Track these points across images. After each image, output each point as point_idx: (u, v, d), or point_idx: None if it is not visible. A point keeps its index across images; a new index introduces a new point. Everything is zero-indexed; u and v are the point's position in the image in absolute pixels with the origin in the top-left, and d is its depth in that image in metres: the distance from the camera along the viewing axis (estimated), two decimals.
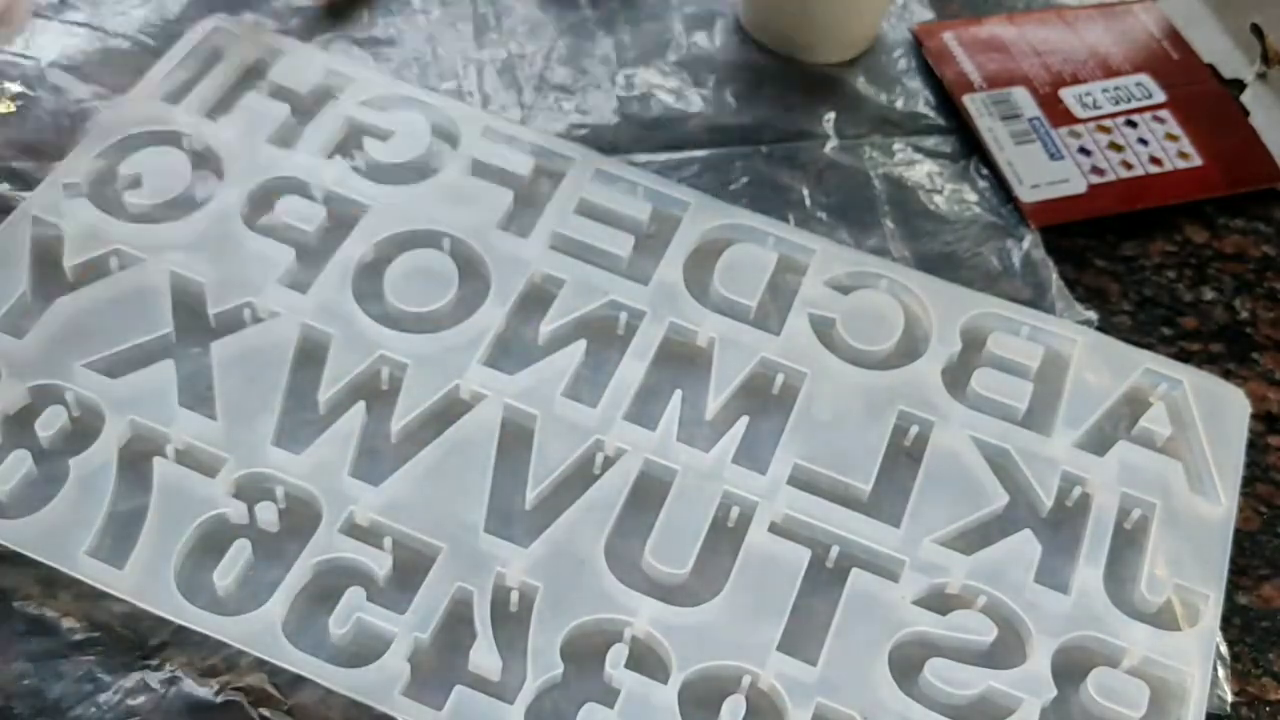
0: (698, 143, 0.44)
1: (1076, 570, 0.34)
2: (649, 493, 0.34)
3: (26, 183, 0.40)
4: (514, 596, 0.33)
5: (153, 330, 0.36)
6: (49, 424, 0.34)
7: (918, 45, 0.48)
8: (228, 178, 0.39)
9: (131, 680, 0.31)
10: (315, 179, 0.40)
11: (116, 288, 0.37)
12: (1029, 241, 0.42)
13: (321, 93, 0.42)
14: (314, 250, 0.38)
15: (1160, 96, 0.47)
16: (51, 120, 0.42)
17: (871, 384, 0.37)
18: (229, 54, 0.43)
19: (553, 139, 0.42)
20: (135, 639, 0.31)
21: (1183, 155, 0.45)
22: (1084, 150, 0.45)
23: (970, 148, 0.45)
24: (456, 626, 0.32)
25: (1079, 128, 0.46)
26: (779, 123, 0.45)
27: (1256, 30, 0.49)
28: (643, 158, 0.43)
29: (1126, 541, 0.35)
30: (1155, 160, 0.45)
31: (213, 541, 0.32)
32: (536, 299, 0.38)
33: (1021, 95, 0.47)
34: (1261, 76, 0.48)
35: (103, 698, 0.31)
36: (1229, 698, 0.33)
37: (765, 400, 0.37)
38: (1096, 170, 0.45)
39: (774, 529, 0.34)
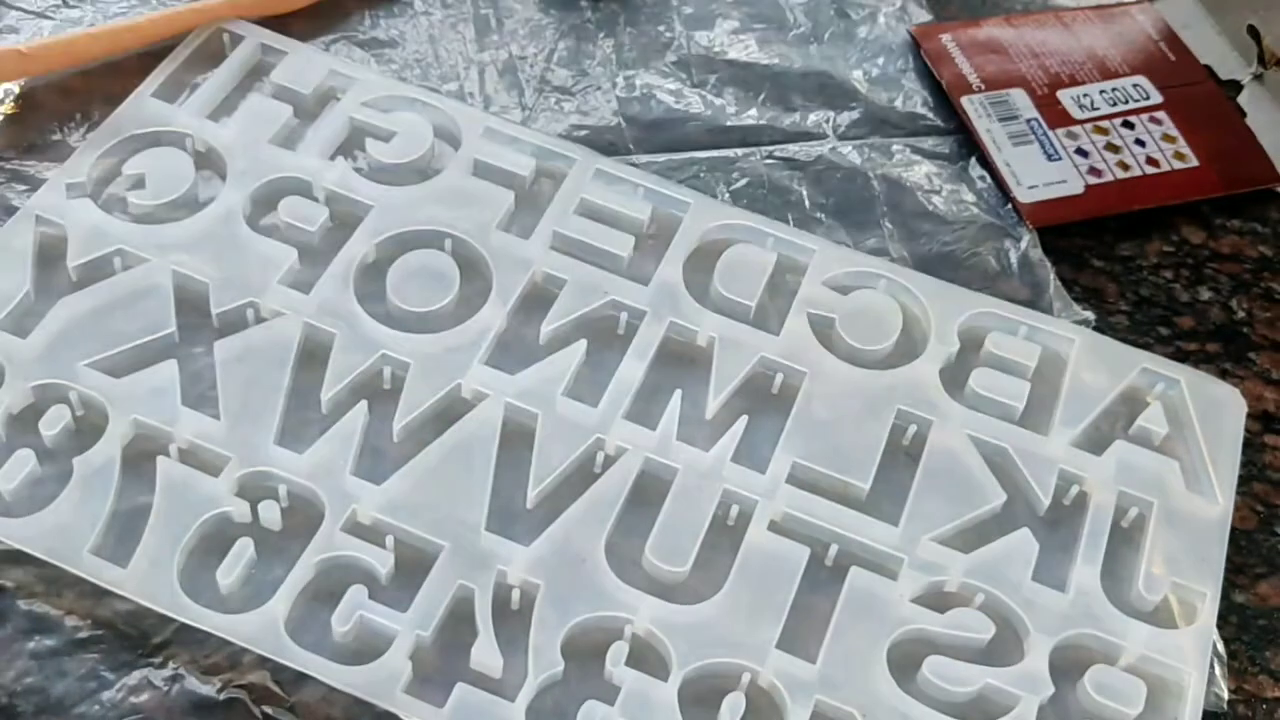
0: (698, 143, 0.44)
1: (1074, 568, 0.34)
2: (649, 491, 0.35)
3: (30, 183, 0.40)
4: (515, 595, 0.33)
5: (156, 330, 0.36)
6: (53, 423, 0.34)
7: (916, 47, 0.48)
8: (230, 178, 0.40)
9: (134, 678, 0.31)
10: (318, 180, 0.40)
11: (120, 288, 0.37)
12: (1027, 242, 0.42)
13: (324, 94, 0.43)
14: (316, 250, 0.38)
15: (1157, 98, 0.47)
16: (55, 121, 0.42)
17: (870, 383, 0.37)
18: (231, 55, 0.43)
19: (554, 140, 0.42)
20: (138, 637, 0.32)
21: (1179, 156, 0.46)
22: (1081, 151, 0.45)
23: (968, 149, 0.45)
24: (458, 624, 0.32)
25: (1076, 129, 0.46)
26: (778, 124, 0.45)
27: (1253, 32, 0.49)
28: (643, 158, 0.43)
29: (1124, 540, 0.35)
30: (1152, 161, 0.45)
31: (215, 540, 0.33)
32: (537, 299, 0.38)
33: (1019, 96, 0.47)
34: (1258, 78, 0.48)
35: (106, 695, 0.31)
36: (1226, 695, 0.33)
37: (764, 400, 0.37)
38: (1094, 171, 0.45)
39: (773, 527, 0.34)
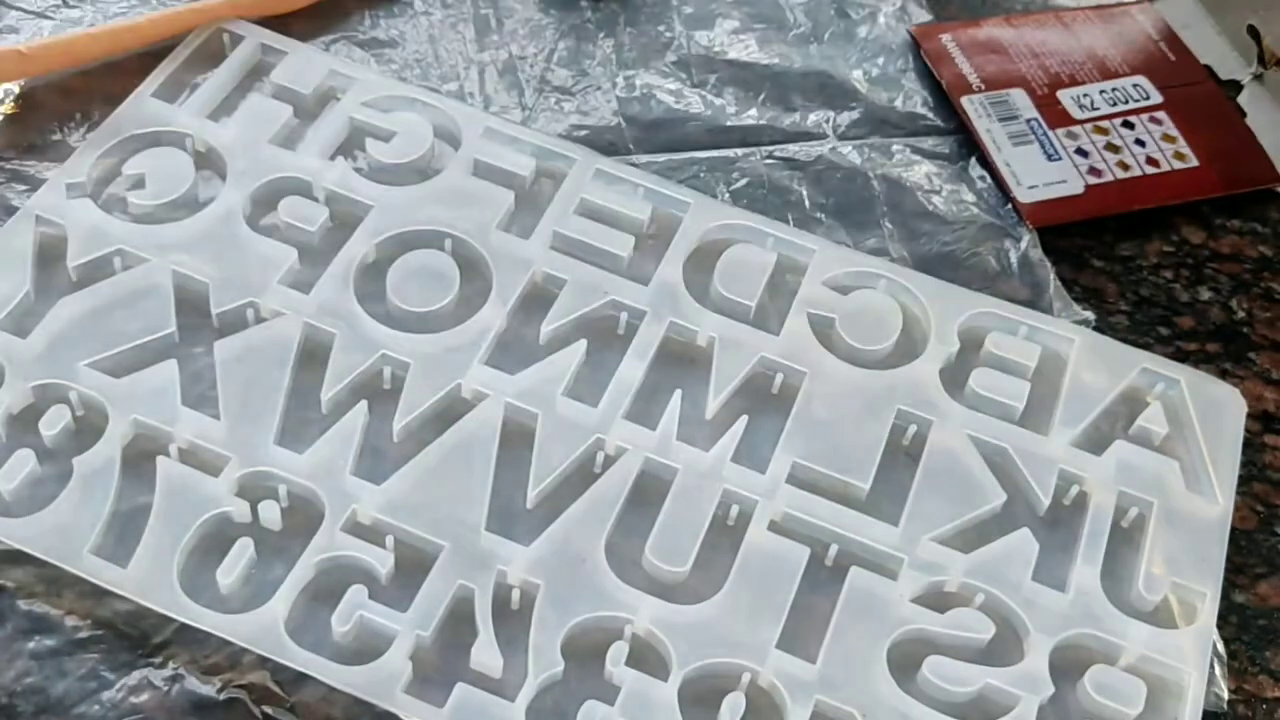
0: (698, 143, 0.44)
1: (1074, 568, 0.34)
2: (649, 491, 0.35)
3: (30, 183, 0.40)
4: (515, 595, 0.33)
5: (156, 330, 0.36)
6: (52, 423, 0.34)
7: (916, 47, 0.48)
8: (230, 178, 0.40)
9: (134, 678, 0.31)
10: (318, 180, 0.40)
11: (120, 288, 0.37)
12: (1027, 242, 0.42)
13: (324, 94, 0.43)
14: (316, 250, 0.38)
15: (1157, 98, 0.47)
16: (55, 121, 0.42)
17: (870, 383, 0.37)
18: (232, 55, 0.43)
19: (554, 140, 0.42)
20: (138, 637, 0.32)
21: (1179, 156, 0.46)
22: (1081, 151, 0.45)
23: (968, 149, 0.45)
24: (458, 624, 0.32)
25: (1076, 129, 0.46)
26: (778, 124, 0.45)
27: (1253, 32, 0.49)
28: (643, 158, 0.43)
29: (1124, 540, 0.35)
30: (1152, 161, 0.45)
31: (215, 540, 0.33)
32: (537, 299, 0.38)
33: (1019, 96, 0.47)
34: (1258, 78, 0.48)
35: (106, 695, 0.31)
36: (1226, 695, 0.33)
37: (764, 400, 0.37)
38: (1094, 171, 0.45)
39: (773, 527, 0.34)
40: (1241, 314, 0.42)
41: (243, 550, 0.32)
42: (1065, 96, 0.47)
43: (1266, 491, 0.38)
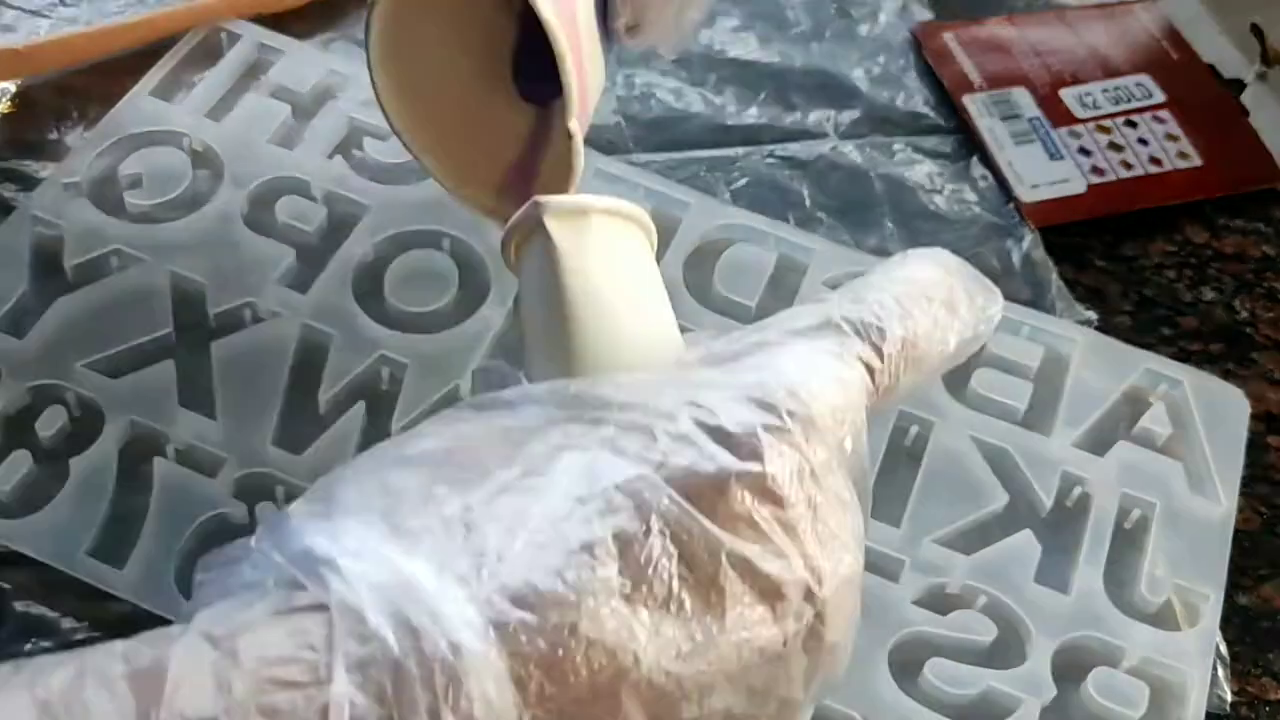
0: (698, 142, 0.44)
1: (1076, 570, 0.34)
2: None
3: (27, 183, 0.40)
4: None
5: (153, 330, 0.36)
6: (49, 424, 0.34)
7: (918, 45, 0.48)
8: (228, 178, 0.39)
9: None
10: (315, 179, 0.40)
11: (117, 288, 0.37)
12: (1029, 241, 0.42)
13: (322, 93, 0.42)
14: (314, 250, 0.38)
15: (1160, 97, 0.47)
16: (52, 120, 0.42)
17: None
18: (229, 54, 0.43)
19: None
20: None
21: (1182, 155, 0.45)
22: (1084, 150, 0.45)
23: (970, 148, 0.45)
24: None
25: (1079, 128, 0.46)
26: (779, 122, 0.45)
27: (1256, 30, 0.49)
28: (643, 158, 0.43)
29: (1126, 541, 0.35)
30: (1155, 160, 0.45)
31: (213, 541, 0.32)
32: None
33: (1021, 95, 0.47)
34: (1261, 77, 0.48)
35: None
36: (1229, 697, 0.33)
37: None
38: (1096, 170, 0.45)
39: None
40: (1245, 314, 0.42)
41: None
42: (1068, 95, 0.47)
43: (1270, 493, 0.38)
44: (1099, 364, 0.38)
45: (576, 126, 0.31)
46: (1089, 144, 0.45)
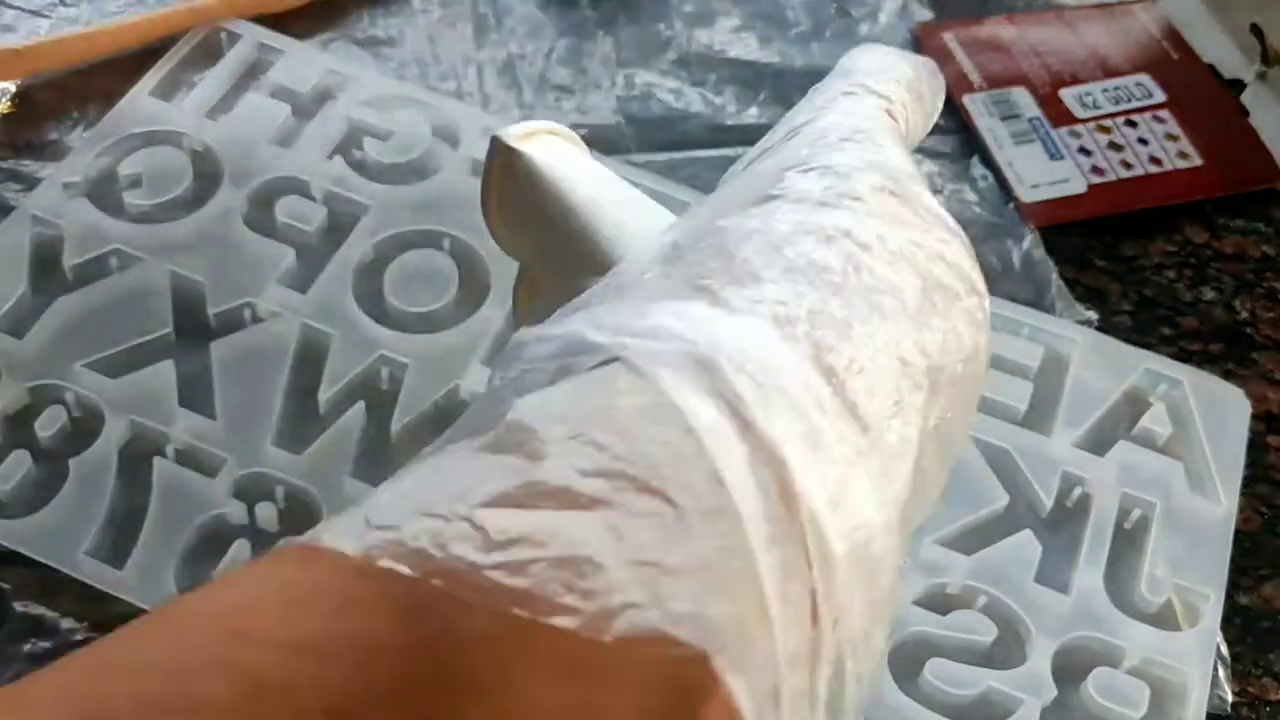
0: (698, 143, 0.44)
1: (1077, 570, 0.34)
2: None
3: (26, 182, 0.40)
4: None
5: (152, 330, 0.36)
6: (48, 424, 0.34)
7: (917, 45, 0.48)
8: (227, 177, 0.39)
9: None
10: (315, 179, 0.40)
11: (116, 288, 0.37)
12: (1029, 241, 0.42)
13: (321, 92, 0.42)
14: (314, 250, 0.38)
15: (1160, 96, 0.47)
16: (51, 120, 0.42)
17: None
18: (229, 54, 0.43)
19: None
20: None
21: (1183, 155, 0.45)
22: (1084, 150, 0.45)
23: (970, 147, 0.45)
24: None
25: (1079, 128, 0.46)
26: (779, 122, 0.45)
27: (1256, 30, 0.49)
28: (642, 158, 0.43)
29: (1127, 541, 0.35)
30: (1155, 160, 0.45)
31: (213, 541, 0.32)
32: None
33: (1021, 95, 0.47)
34: (1261, 76, 0.48)
35: None
36: (1229, 698, 0.33)
37: None
38: (1096, 170, 0.44)
39: None
40: (1245, 314, 0.42)
41: (240, 552, 0.32)
42: (1068, 95, 0.47)
43: (1271, 493, 0.38)
44: (1099, 364, 0.38)
45: None
46: (1089, 144, 0.45)
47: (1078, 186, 0.44)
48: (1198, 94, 0.47)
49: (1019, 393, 0.37)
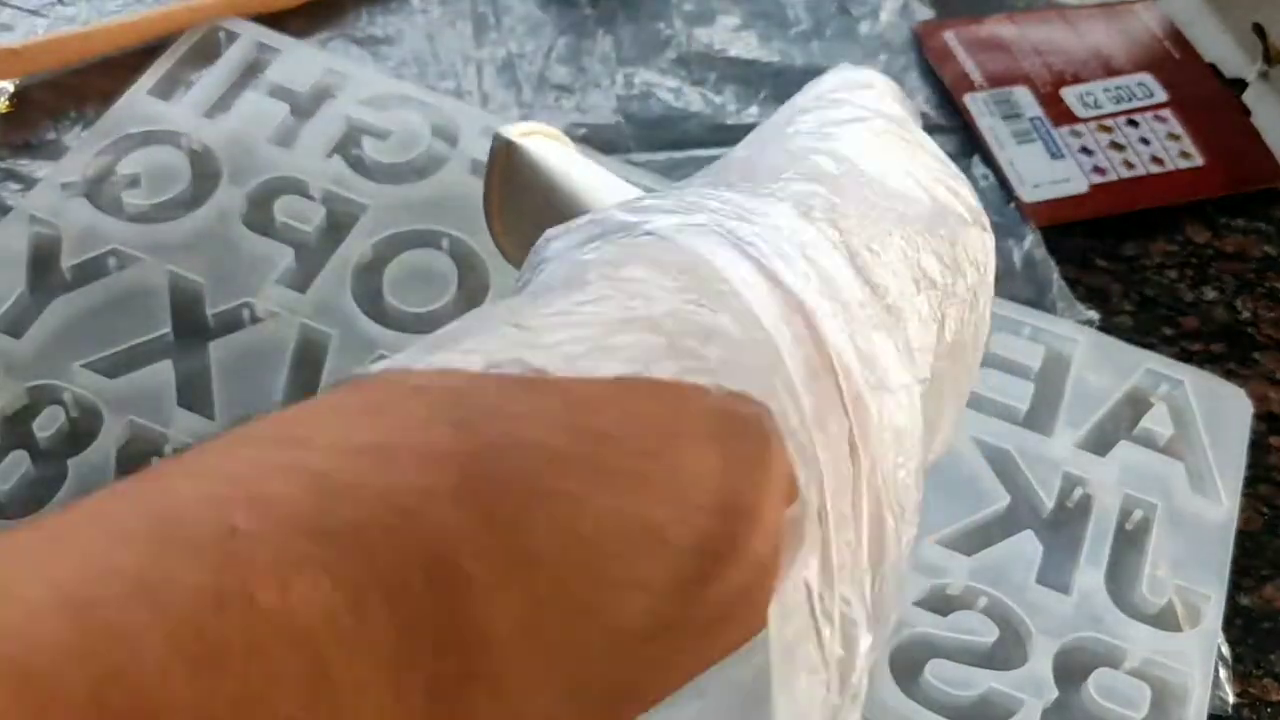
0: (698, 142, 0.44)
1: (1078, 571, 0.34)
2: None
3: (24, 182, 0.40)
4: None
5: (151, 330, 0.36)
6: (47, 424, 0.34)
7: (918, 44, 0.48)
8: (226, 177, 0.39)
9: None
10: (314, 178, 0.39)
11: (115, 288, 0.37)
12: (1030, 241, 0.42)
13: (320, 92, 0.42)
14: (313, 250, 0.38)
15: (1162, 96, 0.47)
16: (50, 119, 0.41)
17: None
18: (227, 53, 0.43)
19: None
20: None
21: (1184, 155, 0.45)
22: (1085, 150, 0.45)
23: (971, 147, 0.45)
24: None
25: (1080, 127, 0.46)
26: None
27: (1258, 30, 0.49)
28: (642, 157, 0.43)
29: (1128, 542, 0.35)
30: (1157, 160, 0.45)
31: None
32: None
33: (1023, 94, 0.46)
34: (1263, 76, 0.48)
35: None
36: (1230, 699, 0.33)
37: None
38: (1098, 170, 0.44)
39: None
40: (1246, 314, 0.42)
41: None
42: (1069, 94, 0.47)
43: (1272, 493, 0.38)
44: (1100, 364, 0.38)
45: None
46: (1090, 143, 0.45)
47: (1079, 186, 0.44)
48: (1199, 93, 0.47)
49: (1020, 393, 0.37)
